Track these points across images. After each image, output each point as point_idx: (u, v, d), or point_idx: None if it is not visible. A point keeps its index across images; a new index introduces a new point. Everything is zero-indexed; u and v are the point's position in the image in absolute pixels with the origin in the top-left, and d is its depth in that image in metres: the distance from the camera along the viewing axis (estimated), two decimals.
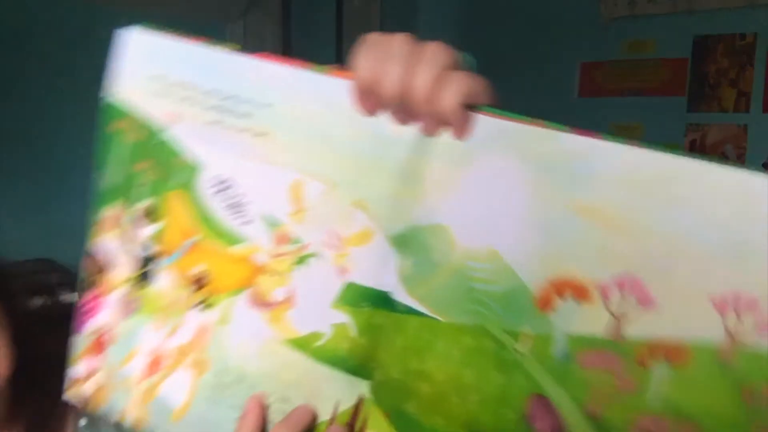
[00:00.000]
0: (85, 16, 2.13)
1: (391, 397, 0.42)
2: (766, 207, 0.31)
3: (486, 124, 0.37)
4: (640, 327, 0.33)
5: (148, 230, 0.47)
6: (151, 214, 0.47)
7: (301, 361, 0.44)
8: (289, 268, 0.43)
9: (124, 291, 0.48)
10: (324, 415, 0.44)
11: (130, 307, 0.48)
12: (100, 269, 0.48)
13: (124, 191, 0.47)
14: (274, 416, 0.45)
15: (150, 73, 0.45)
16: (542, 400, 0.37)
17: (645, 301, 0.33)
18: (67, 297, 0.65)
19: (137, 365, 0.48)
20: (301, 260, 0.43)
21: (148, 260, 0.47)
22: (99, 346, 0.48)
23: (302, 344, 0.44)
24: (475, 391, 0.39)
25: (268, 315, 0.44)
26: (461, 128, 0.38)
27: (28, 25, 2.11)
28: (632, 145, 0.34)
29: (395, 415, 0.42)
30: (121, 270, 0.48)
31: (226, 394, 0.46)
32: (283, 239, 0.43)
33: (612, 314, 0.34)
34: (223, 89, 0.43)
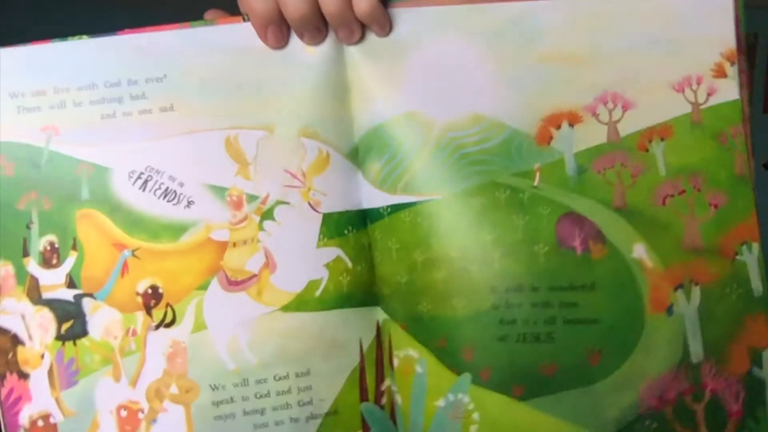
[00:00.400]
0: (85, 16, 1.82)
1: (403, 306, 0.41)
2: None
3: (405, 15, 0.39)
4: (631, 123, 0.40)
5: (61, 271, 0.39)
6: (58, 252, 0.39)
7: (307, 321, 0.40)
8: (255, 231, 0.39)
9: (54, 358, 0.38)
10: (352, 361, 0.40)
11: (69, 372, 0.38)
12: (12, 345, 0.38)
13: (13, 239, 0.38)
14: (300, 396, 0.39)
15: (4, 91, 0.38)
16: (571, 216, 0.40)
17: (627, 105, 0.40)
18: None
19: (109, 431, 0.38)
20: (267, 214, 0.39)
21: (71, 309, 0.39)
22: None
23: (301, 302, 0.40)
24: (498, 246, 0.39)
25: (251, 291, 0.39)
26: (382, 26, 0.39)
27: (28, 25, 1.72)
28: None
29: (411, 322, 0.41)
30: (40, 336, 0.38)
31: (234, 405, 0.39)
32: (239, 202, 0.39)
33: (605, 124, 0.40)
34: (101, 79, 0.38)
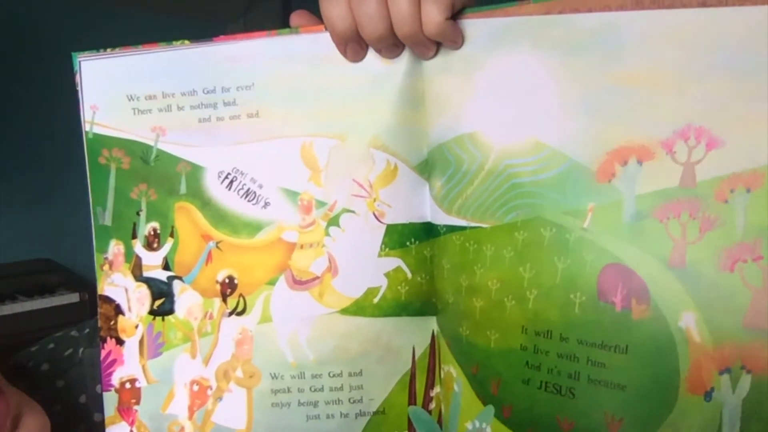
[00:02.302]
0: (85, 17, 2.08)
1: (449, 324, 0.41)
2: None
3: (479, 26, 0.38)
4: (713, 166, 0.33)
5: (160, 254, 0.44)
6: (159, 237, 0.44)
7: (363, 325, 0.41)
8: (322, 235, 0.42)
9: (146, 330, 0.44)
10: (404, 367, 0.41)
11: (156, 344, 0.44)
12: (115, 314, 0.44)
13: (126, 223, 0.44)
14: (351, 394, 0.41)
15: (123, 94, 0.44)
16: (617, 268, 0.35)
17: (713, 143, 0.33)
18: (66, 297, 0.60)
19: (181, 402, 0.43)
20: (333, 221, 0.41)
21: (164, 288, 0.44)
22: (134, 395, 0.43)
23: (359, 307, 0.41)
24: (535, 286, 0.37)
25: (314, 292, 0.42)
26: (455, 40, 0.38)
27: (28, 25, 2.03)
28: (648, 8, 0.35)
29: (453, 342, 0.41)
30: (137, 308, 0.44)
31: (290, 395, 0.42)
32: (308, 207, 0.42)
33: (681, 164, 0.34)
34: (200, 86, 0.42)
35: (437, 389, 0.42)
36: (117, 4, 2.07)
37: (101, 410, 0.44)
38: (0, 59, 1.96)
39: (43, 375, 0.51)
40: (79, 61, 0.44)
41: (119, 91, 0.43)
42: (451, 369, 0.41)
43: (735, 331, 0.33)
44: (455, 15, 0.38)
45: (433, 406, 0.42)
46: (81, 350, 0.52)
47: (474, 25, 0.38)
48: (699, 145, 0.33)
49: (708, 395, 0.34)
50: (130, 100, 0.43)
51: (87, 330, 0.54)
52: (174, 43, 0.43)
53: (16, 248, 2.02)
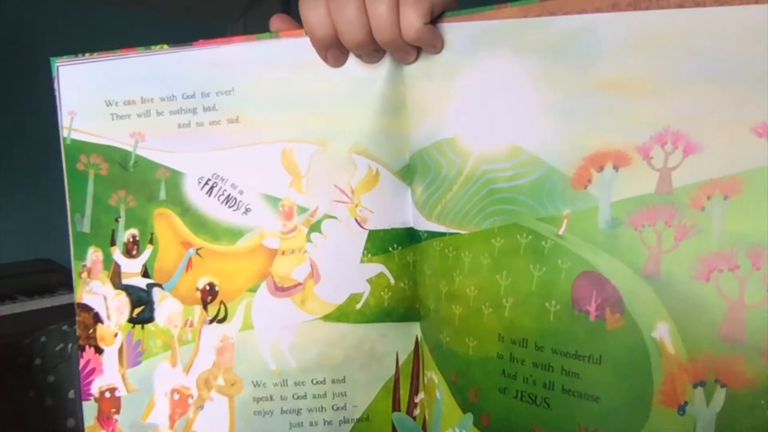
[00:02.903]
0: (85, 16, 2.04)
1: (431, 331, 0.41)
2: None
3: (459, 30, 0.38)
4: (690, 172, 0.32)
5: (139, 262, 0.43)
6: (138, 244, 0.43)
7: (346, 332, 0.41)
8: (303, 241, 0.41)
9: (125, 338, 0.43)
10: (387, 373, 0.41)
11: (135, 353, 0.43)
12: (94, 322, 0.43)
13: (105, 230, 0.44)
14: (335, 401, 0.41)
15: (101, 99, 0.43)
16: (592, 276, 0.34)
17: (691, 148, 0.32)
18: (66, 297, 0.60)
19: (162, 411, 0.43)
20: (315, 227, 0.41)
21: (143, 296, 0.43)
22: (114, 404, 0.43)
23: (342, 314, 0.41)
24: (511, 294, 0.37)
25: (296, 298, 0.41)
26: (434, 45, 0.38)
27: (28, 25, 2.00)
28: (624, 10, 0.34)
29: (435, 348, 0.40)
30: (116, 317, 0.43)
31: (273, 402, 0.41)
32: (290, 213, 0.41)
33: (658, 170, 0.33)
34: (179, 91, 0.42)
35: (421, 395, 0.42)
36: (117, 3, 2.05)
37: None
38: (3, 59, 1.94)
39: (36, 369, 0.51)
40: (57, 66, 0.43)
41: (97, 97, 0.43)
42: (433, 375, 0.41)
43: (710, 342, 0.32)
44: (434, 19, 0.37)
45: (417, 412, 0.42)
46: (70, 346, 0.52)
47: (454, 29, 0.37)
48: (676, 150, 0.32)
49: (681, 409, 0.33)
50: (108, 105, 0.43)
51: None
52: (153, 47, 0.42)
53: (16, 248, 2.00)
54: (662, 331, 0.33)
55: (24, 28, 2.01)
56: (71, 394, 0.51)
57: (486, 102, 0.37)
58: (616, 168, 0.34)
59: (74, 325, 0.54)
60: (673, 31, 0.32)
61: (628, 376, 0.34)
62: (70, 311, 0.44)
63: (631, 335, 0.33)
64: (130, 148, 0.43)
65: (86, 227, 0.44)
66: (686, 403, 0.33)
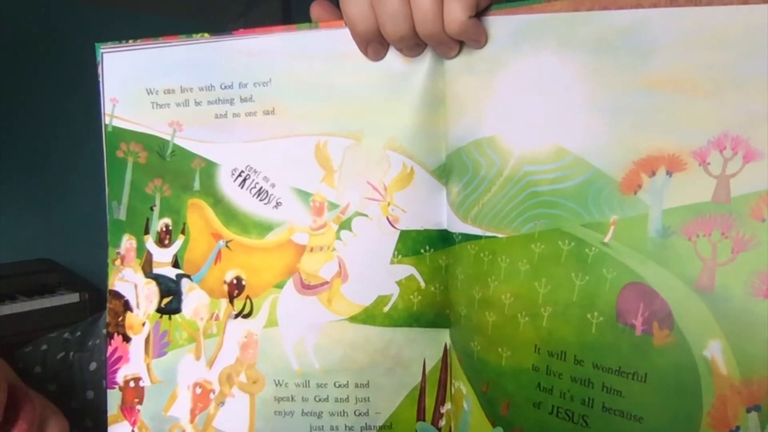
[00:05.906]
0: (85, 16, 2.11)
1: (461, 338, 0.38)
2: None
3: (503, 24, 0.36)
4: (750, 181, 0.30)
5: (170, 251, 0.43)
6: (170, 233, 0.43)
7: (372, 335, 0.39)
8: (332, 239, 0.40)
9: (152, 328, 0.43)
10: (413, 381, 0.39)
11: (161, 343, 0.43)
12: (124, 310, 0.43)
13: (140, 218, 0.43)
14: (357, 407, 0.39)
15: (142, 87, 0.43)
16: (639, 288, 0.32)
17: (751, 155, 0.30)
18: (66, 297, 0.60)
19: (184, 405, 0.42)
20: (345, 224, 0.40)
21: (172, 286, 0.43)
22: (137, 394, 0.42)
23: (368, 316, 0.39)
24: (550, 303, 0.35)
25: (322, 297, 0.40)
26: (478, 39, 0.36)
27: (28, 25, 2.07)
28: (684, 5, 0.31)
29: (465, 357, 0.38)
30: (145, 305, 0.43)
31: (294, 403, 0.40)
32: (320, 208, 0.40)
33: (715, 177, 0.30)
34: (217, 80, 0.41)
35: (448, 406, 0.40)
36: (117, 3, 2.09)
37: (92, 416, 0.43)
38: (1, 60, 2.00)
39: (36, 378, 0.51)
40: (102, 53, 0.43)
41: (139, 85, 0.43)
42: (461, 385, 0.39)
43: (766, 364, 0.29)
44: (479, 13, 0.36)
45: (443, 423, 0.40)
46: (71, 354, 0.52)
47: (498, 23, 0.36)
48: (735, 156, 0.30)
49: None
50: (149, 93, 0.43)
51: (78, 333, 0.54)
52: (194, 35, 0.42)
53: (16, 248, 2.04)
54: (714, 350, 0.31)
55: (25, 29, 2.04)
56: (74, 404, 0.50)
57: (530, 100, 0.35)
58: (669, 173, 0.31)
59: (75, 332, 0.54)
60: (735, 28, 0.29)
61: (676, 396, 0.31)
62: (70, 311, 0.44)
63: (681, 353, 0.31)
64: (168, 137, 0.43)
65: (122, 215, 0.44)
66: (738, 428, 0.30)
